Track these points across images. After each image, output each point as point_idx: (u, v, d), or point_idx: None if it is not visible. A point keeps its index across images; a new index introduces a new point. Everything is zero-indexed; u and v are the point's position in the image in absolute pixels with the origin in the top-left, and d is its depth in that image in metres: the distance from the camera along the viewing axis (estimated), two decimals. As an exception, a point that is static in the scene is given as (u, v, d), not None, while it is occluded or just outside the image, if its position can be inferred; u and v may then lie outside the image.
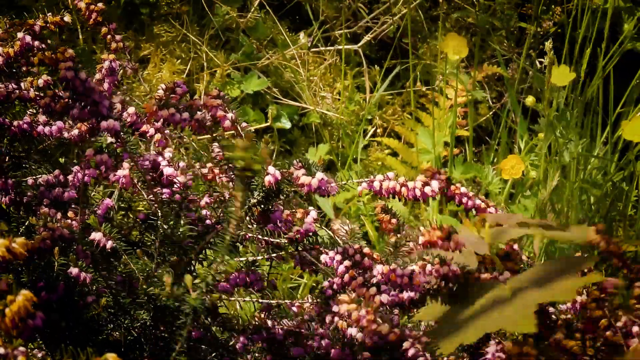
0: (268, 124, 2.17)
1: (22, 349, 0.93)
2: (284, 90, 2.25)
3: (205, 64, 2.23)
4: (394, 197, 1.15)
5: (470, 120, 2.10)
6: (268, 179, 1.14)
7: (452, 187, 1.35)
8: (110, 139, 1.16)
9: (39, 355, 1.11)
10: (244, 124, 1.18)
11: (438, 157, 2.04)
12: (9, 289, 0.95)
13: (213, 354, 1.18)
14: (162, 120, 1.16)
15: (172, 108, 1.16)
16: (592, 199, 1.95)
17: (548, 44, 1.86)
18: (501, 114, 2.13)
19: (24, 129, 1.19)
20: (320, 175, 1.14)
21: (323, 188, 1.14)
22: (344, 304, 1.09)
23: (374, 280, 1.13)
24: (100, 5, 1.21)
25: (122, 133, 1.15)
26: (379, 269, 1.12)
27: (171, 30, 2.26)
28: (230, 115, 1.17)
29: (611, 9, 1.98)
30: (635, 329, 1.06)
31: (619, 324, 1.07)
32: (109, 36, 1.22)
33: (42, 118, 1.18)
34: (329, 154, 2.15)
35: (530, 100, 1.96)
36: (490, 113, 2.30)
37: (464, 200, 1.35)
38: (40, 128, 1.18)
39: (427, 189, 1.14)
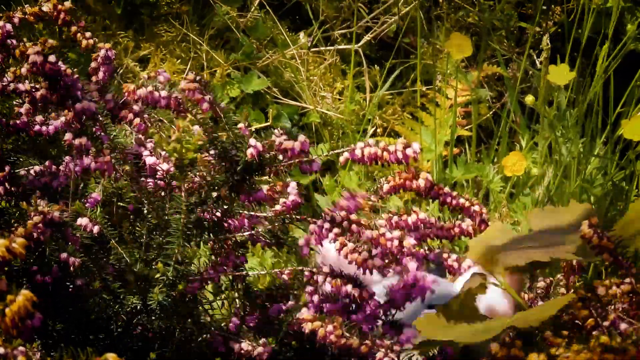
0: (268, 123, 2.16)
1: (22, 348, 0.93)
2: (284, 90, 2.25)
3: (205, 63, 2.23)
4: (376, 163, 1.15)
5: (474, 120, 2.10)
6: (250, 151, 1.13)
7: (436, 187, 1.35)
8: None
9: (37, 354, 1.11)
10: (222, 105, 1.17)
11: (440, 156, 2.04)
12: (9, 289, 0.95)
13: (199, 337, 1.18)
14: (140, 101, 1.16)
15: (150, 87, 1.16)
16: (592, 199, 1.95)
17: (545, 39, 1.86)
18: (501, 114, 2.13)
19: (21, 127, 1.18)
20: (302, 137, 1.14)
21: (306, 151, 1.13)
22: (308, 323, 1.09)
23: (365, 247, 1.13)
24: (67, 4, 1.19)
25: (99, 115, 1.15)
26: (367, 234, 1.12)
27: (171, 30, 2.26)
28: (208, 97, 1.17)
29: (616, 8, 1.98)
30: (623, 326, 1.05)
31: (606, 322, 1.06)
32: (79, 34, 1.21)
33: (39, 118, 1.18)
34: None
35: (529, 99, 1.96)
36: (490, 113, 2.30)
37: (448, 199, 1.35)
38: (37, 127, 1.17)
39: (408, 151, 1.14)
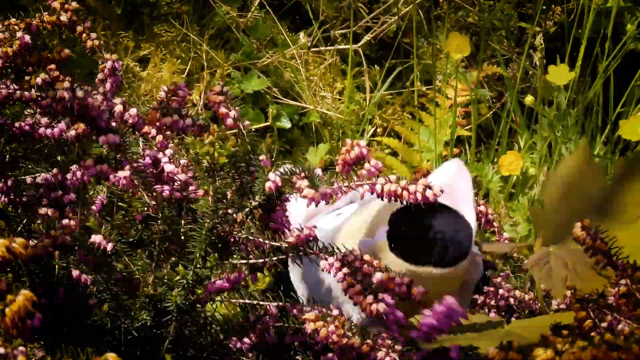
0: (268, 123, 2.17)
1: (22, 348, 0.93)
2: (284, 90, 2.25)
3: (205, 63, 2.23)
4: (395, 200, 1.15)
5: (474, 120, 2.10)
6: (268, 185, 1.15)
7: None
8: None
9: (39, 355, 1.11)
10: (246, 122, 1.18)
11: (440, 156, 2.04)
12: (9, 289, 0.95)
13: (210, 353, 1.18)
14: (164, 127, 1.17)
15: (175, 115, 1.17)
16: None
17: (539, 38, 1.86)
18: (501, 114, 2.13)
19: (26, 130, 1.19)
20: (323, 189, 1.15)
21: (325, 202, 1.15)
22: (310, 322, 1.10)
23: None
24: (74, 4, 1.20)
25: (123, 143, 1.15)
26: (377, 276, 1.13)
27: (171, 30, 2.26)
28: (232, 113, 1.17)
29: (615, 8, 1.98)
30: (620, 327, 1.05)
31: (604, 324, 1.06)
32: (84, 35, 1.21)
33: (44, 120, 1.18)
34: (329, 153, 2.15)
35: (529, 99, 1.96)
36: (491, 113, 2.30)
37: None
38: (42, 130, 1.18)
39: (428, 193, 1.14)
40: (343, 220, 1.38)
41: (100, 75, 1.20)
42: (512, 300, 1.30)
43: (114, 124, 1.16)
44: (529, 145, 2.06)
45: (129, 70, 2.19)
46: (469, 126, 2.17)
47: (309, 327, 1.10)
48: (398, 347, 1.10)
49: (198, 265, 1.14)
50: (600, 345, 0.94)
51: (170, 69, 2.22)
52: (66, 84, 1.13)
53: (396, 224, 1.27)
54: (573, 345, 0.95)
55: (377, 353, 1.10)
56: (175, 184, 1.17)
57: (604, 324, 1.06)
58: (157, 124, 1.16)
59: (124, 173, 1.15)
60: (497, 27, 2.34)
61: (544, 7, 2.27)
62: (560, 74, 1.85)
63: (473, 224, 1.31)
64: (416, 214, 1.20)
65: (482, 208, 1.38)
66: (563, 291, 1.11)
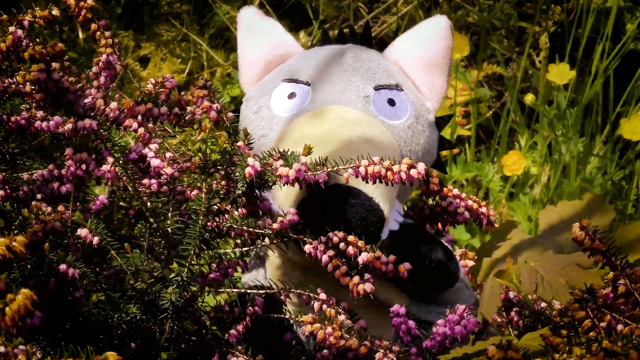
0: (268, 123, 2.17)
1: (22, 347, 0.93)
2: (284, 89, 2.25)
3: (205, 63, 2.23)
4: (380, 182, 1.14)
5: (474, 119, 2.10)
6: (248, 170, 1.13)
7: (445, 189, 1.36)
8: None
9: (38, 354, 1.11)
10: (229, 114, 1.17)
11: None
12: (9, 288, 0.95)
13: (205, 346, 1.18)
14: (140, 116, 1.16)
15: (149, 103, 1.15)
16: (592, 198, 1.95)
17: (544, 38, 1.86)
18: (501, 114, 2.13)
19: (22, 124, 1.18)
20: (297, 165, 1.13)
21: (301, 179, 1.13)
22: (308, 325, 1.10)
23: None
24: (89, 1, 1.19)
25: (101, 131, 1.15)
26: (363, 256, 1.12)
27: (171, 29, 2.26)
28: (216, 105, 1.16)
29: (615, 8, 1.98)
30: (619, 327, 1.05)
31: (603, 324, 1.06)
32: (98, 32, 1.20)
33: (39, 114, 1.18)
34: (329, 153, 2.15)
35: (529, 98, 1.96)
36: (490, 112, 2.30)
37: (457, 201, 1.36)
38: (37, 123, 1.17)
39: (412, 172, 1.13)
40: (289, 117, 1.29)
41: (94, 69, 1.20)
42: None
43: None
44: (530, 144, 2.07)
45: (129, 70, 2.19)
46: (469, 125, 2.17)
47: (307, 329, 1.10)
48: (396, 348, 1.10)
49: (193, 262, 1.13)
50: (598, 353, 0.94)
51: (170, 68, 2.22)
52: (41, 65, 1.13)
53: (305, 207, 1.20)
54: (571, 354, 0.95)
55: (375, 354, 1.10)
56: (162, 177, 1.17)
57: (603, 324, 1.06)
58: (131, 112, 1.15)
59: (108, 167, 1.14)
60: (497, 27, 2.34)
61: (544, 7, 2.27)
62: (561, 74, 1.86)
63: (440, 94, 1.33)
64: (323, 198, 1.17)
65: (483, 209, 1.37)
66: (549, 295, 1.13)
